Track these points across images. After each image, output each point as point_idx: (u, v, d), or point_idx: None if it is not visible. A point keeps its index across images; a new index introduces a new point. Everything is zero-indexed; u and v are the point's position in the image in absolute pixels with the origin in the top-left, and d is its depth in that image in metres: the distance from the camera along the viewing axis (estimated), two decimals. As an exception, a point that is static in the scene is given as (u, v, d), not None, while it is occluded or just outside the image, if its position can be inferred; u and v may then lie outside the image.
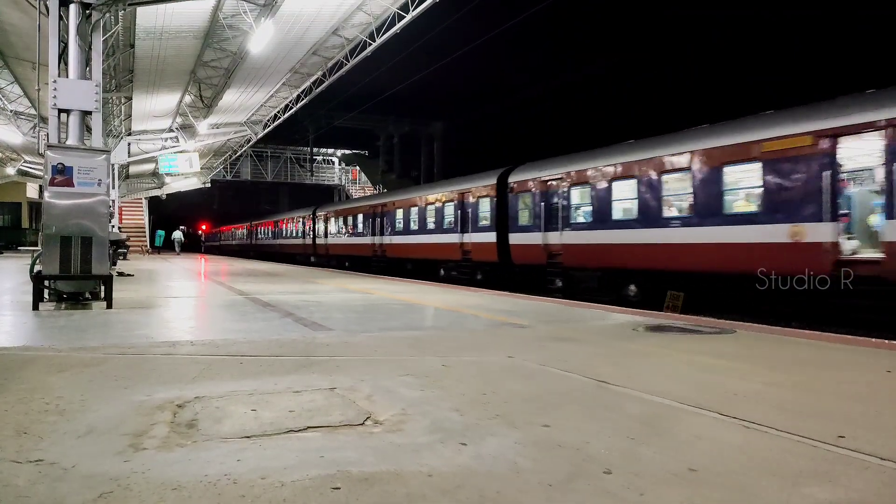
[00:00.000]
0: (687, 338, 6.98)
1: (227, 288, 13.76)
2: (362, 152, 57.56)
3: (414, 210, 23.25)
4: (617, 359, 5.63)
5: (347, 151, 58.32)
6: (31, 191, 41.99)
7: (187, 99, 25.08)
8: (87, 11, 9.66)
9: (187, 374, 4.68)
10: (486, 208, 18.90)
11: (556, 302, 11.31)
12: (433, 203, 22.00)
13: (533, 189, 16.75)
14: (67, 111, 9.43)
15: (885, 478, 2.81)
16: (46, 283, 9.05)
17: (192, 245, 72.60)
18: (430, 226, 22.04)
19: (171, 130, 30.62)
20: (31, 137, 26.25)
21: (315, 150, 54.70)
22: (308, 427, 3.37)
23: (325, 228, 33.30)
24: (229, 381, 4.48)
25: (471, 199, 19.59)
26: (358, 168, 58.83)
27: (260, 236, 48.93)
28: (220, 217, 72.60)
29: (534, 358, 5.51)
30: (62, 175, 8.88)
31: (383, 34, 17.72)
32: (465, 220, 19.75)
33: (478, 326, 7.92)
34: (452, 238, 20.30)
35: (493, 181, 18.57)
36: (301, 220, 37.76)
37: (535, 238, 16.43)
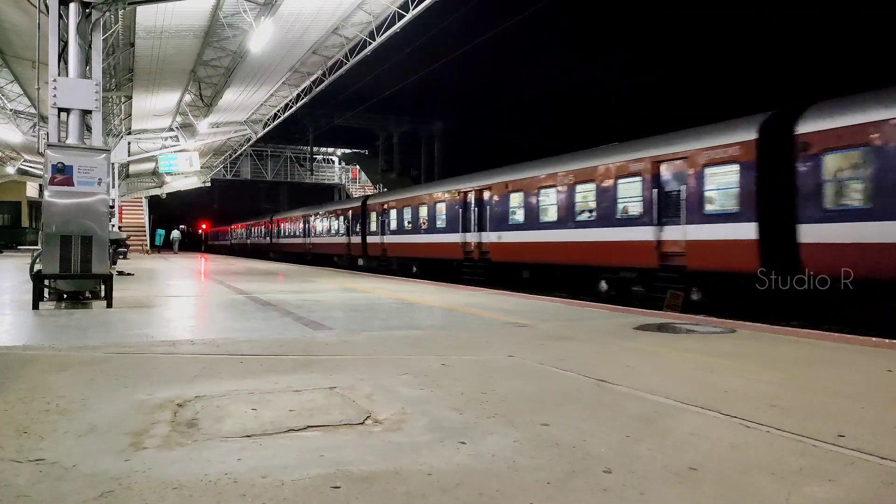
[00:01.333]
0: (687, 337, 6.98)
1: (228, 287, 13.77)
2: (362, 151, 57.61)
3: (546, 194, 16.18)
4: (616, 358, 5.64)
5: (347, 150, 58.34)
6: (31, 190, 42.04)
7: (187, 98, 25.06)
8: (87, 10, 9.66)
9: (188, 373, 4.69)
10: (724, 182, 11.66)
11: (556, 301, 11.31)
12: (590, 181, 14.71)
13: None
14: (67, 110, 9.43)
15: (886, 477, 2.81)
16: (46, 282, 9.05)
17: (193, 244, 72.55)
18: (584, 216, 14.90)
19: (171, 129, 30.61)
20: (31, 136, 26.26)
21: (315, 149, 54.66)
22: (308, 426, 3.37)
23: (382, 223, 25.70)
24: (230, 380, 4.48)
25: (684, 170, 12.33)
26: (358, 167, 58.84)
27: (284, 234, 41.85)
28: (221, 216, 72.36)
29: (533, 357, 5.51)
30: (62, 174, 8.88)
31: (383, 33, 17.71)
32: (671, 203, 12.57)
33: (478, 325, 7.92)
34: (637, 233, 13.21)
35: (750, 136, 11.28)
36: (344, 213, 30.33)
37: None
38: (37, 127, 24.11)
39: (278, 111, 28.35)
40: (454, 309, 9.62)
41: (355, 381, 4.44)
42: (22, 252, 32.49)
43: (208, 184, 46.70)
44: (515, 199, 17.46)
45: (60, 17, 9.44)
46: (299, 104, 26.03)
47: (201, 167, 37.68)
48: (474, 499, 2.48)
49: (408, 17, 16.41)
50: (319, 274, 20.35)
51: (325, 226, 33.36)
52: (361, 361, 5.33)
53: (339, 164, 59.27)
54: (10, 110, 25.01)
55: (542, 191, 16.36)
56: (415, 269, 23.11)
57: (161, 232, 47.30)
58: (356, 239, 28.55)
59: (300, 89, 24.62)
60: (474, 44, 23.03)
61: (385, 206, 25.72)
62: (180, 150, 31.31)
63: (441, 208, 21.34)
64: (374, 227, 26.71)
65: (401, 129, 50.99)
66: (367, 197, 29.39)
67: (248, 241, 52.75)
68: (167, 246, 48.58)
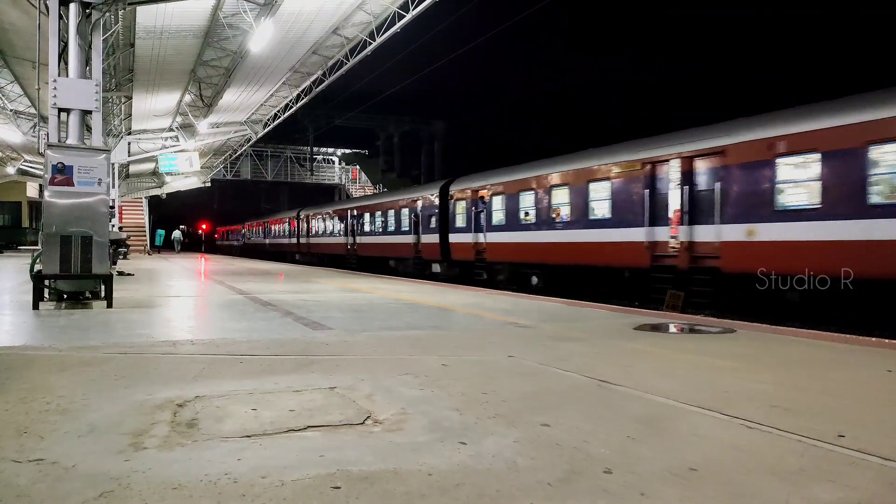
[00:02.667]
0: (687, 337, 6.98)
1: (228, 287, 13.76)
2: (362, 151, 57.61)
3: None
4: (617, 358, 5.64)
5: (347, 151, 58.35)
6: (31, 190, 42.06)
7: (187, 98, 25.07)
8: (87, 11, 9.66)
9: (188, 373, 4.69)
10: None
11: (557, 302, 11.30)
12: None
13: None
14: (67, 110, 9.43)
15: (886, 477, 2.81)
16: (47, 282, 9.05)
17: (193, 244, 72.61)
18: None
19: (171, 130, 30.62)
20: (31, 137, 26.27)
21: (315, 149, 54.65)
22: (308, 426, 3.37)
23: (477, 216, 19.11)
24: (230, 380, 4.48)
25: None
26: (358, 167, 58.89)
27: (317, 232, 35.31)
28: (221, 216, 72.29)
29: (534, 357, 5.51)
30: (62, 174, 8.88)
31: (383, 33, 17.72)
32: None
33: (478, 326, 7.92)
34: None
35: None
36: (410, 205, 23.68)
37: None
38: (37, 127, 24.13)
39: (278, 111, 28.36)
40: (454, 309, 9.62)
41: (355, 382, 4.44)
42: (22, 252, 32.49)
43: (208, 184, 46.69)
44: (791, 169, 10.62)
45: (60, 17, 9.44)
46: (299, 104, 26.03)
47: (201, 167, 37.65)
48: (474, 499, 2.48)
49: (408, 17, 16.41)
50: (320, 274, 20.35)
51: (379, 222, 26.41)
52: (361, 361, 5.33)
53: (340, 164, 59.28)
54: (11, 110, 25.01)
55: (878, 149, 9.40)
56: (535, 279, 16.43)
57: (161, 232, 47.30)
58: (430, 238, 21.88)
59: (300, 89, 24.63)
60: (475, 44, 23.01)
61: (484, 193, 18.81)
62: (180, 151, 31.30)
63: (600, 191, 14.32)
64: (460, 221, 20.14)
65: (401, 129, 51.00)
66: (450, 181, 21.51)
67: (268, 242, 46.90)
68: (167, 246, 48.58)
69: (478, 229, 19.05)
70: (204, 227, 79.81)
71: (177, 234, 47.94)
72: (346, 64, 20.54)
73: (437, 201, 21.71)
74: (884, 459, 2.98)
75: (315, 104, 28.84)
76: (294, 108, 26.86)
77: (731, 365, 5.32)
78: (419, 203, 23.06)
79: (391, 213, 25.44)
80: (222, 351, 5.66)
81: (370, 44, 18.50)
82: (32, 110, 24.21)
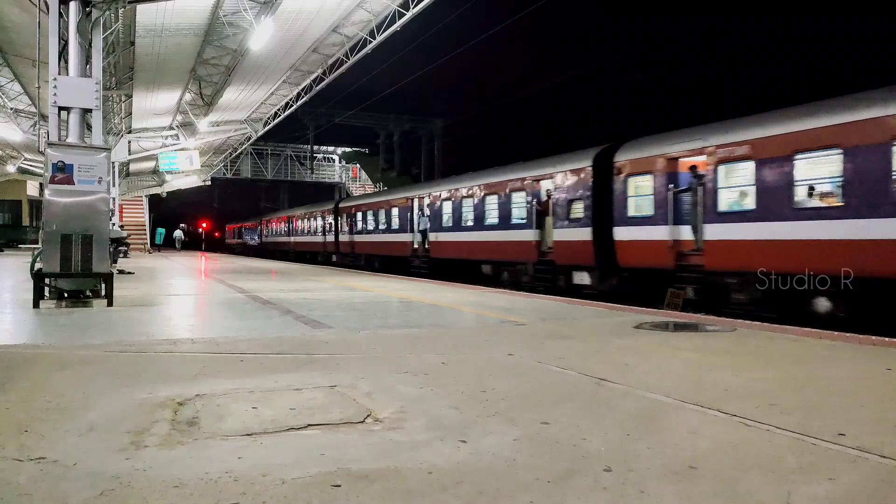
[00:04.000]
0: (686, 336, 6.98)
1: (227, 286, 13.77)
2: (362, 150, 57.57)
3: None
4: (616, 356, 5.64)
5: (348, 149, 58.30)
6: (32, 189, 42.05)
7: (187, 97, 25.06)
8: (88, 9, 9.66)
9: (188, 371, 4.69)
10: None
11: (556, 300, 11.31)
12: None
13: None
14: (68, 109, 9.44)
15: (886, 475, 2.81)
16: (47, 281, 9.06)
17: (193, 243, 72.62)
18: None
19: (171, 128, 30.61)
20: (32, 135, 26.24)
21: (315, 147, 54.62)
22: (309, 425, 3.38)
23: (675, 197, 12.47)
24: (230, 378, 4.49)
25: None
26: (358, 166, 58.86)
27: (366, 228, 28.00)
28: (221, 214, 72.21)
29: (533, 355, 5.52)
30: (62, 173, 8.88)
31: (383, 32, 17.70)
32: None
33: (477, 324, 7.93)
34: None
35: None
36: (528, 187, 16.82)
37: None
38: (37, 125, 24.06)
39: (278, 110, 28.34)
40: (454, 307, 9.62)
41: (355, 380, 4.44)
42: (23, 251, 32.50)
43: (208, 182, 46.70)
44: None
45: (61, 15, 9.43)
46: (300, 103, 26.02)
47: (201, 166, 37.64)
48: (474, 497, 2.49)
49: (408, 15, 16.39)
50: (319, 273, 20.36)
51: (469, 212, 19.55)
52: (361, 360, 5.33)
53: (340, 162, 59.23)
54: (11, 109, 25.00)
55: None
56: (826, 303, 9.95)
57: (162, 231, 47.32)
58: (570, 233, 15.14)
59: (300, 88, 24.61)
60: (475, 42, 22.97)
61: (700, 163, 12.09)
62: (180, 149, 31.31)
63: None
64: (641, 207, 13.32)
65: (401, 127, 51.00)
66: (612, 148, 14.43)
67: (293, 240, 40.43)
68: (168, 244, 48.60)
69: (679, 220, 12.44)
70: (204, 225, 79.82)
71: (178, 232, 48.06)
72: (346, 62, 20.53)
73: (588, 179, 14.74)
74: (883, 458, 2.98)
75: (315, 102, 28.82)
76: (294, 107, 26.84)
77: (731, 363, 5.32)
78: (547, 183, 16.13)
79: (492, 199, 18.31)
80: (223, 349, 5.67)
81: (370, 42, 18.48)
82: (32, 108, 24.19)
